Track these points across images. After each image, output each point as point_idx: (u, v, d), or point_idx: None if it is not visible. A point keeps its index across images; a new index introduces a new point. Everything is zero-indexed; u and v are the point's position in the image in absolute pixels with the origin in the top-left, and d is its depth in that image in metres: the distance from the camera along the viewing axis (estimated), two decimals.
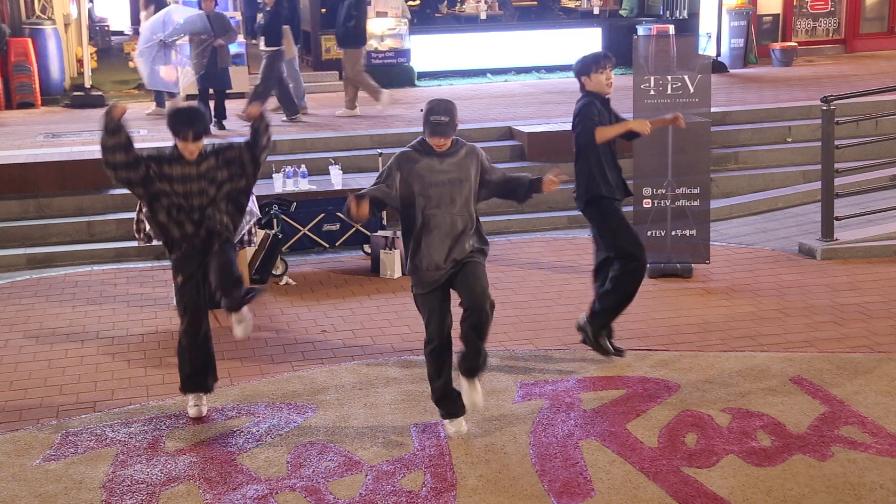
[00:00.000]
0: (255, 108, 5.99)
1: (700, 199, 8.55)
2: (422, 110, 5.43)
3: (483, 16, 18.64)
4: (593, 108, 6.34)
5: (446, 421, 5.56)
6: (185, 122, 5.59)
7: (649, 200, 8.48)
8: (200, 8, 12.78)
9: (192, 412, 5.84)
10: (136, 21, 18.38)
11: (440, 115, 5.29)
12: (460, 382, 5.50)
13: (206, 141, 5.72)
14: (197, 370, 5.83)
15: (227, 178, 5.69)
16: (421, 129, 5.39)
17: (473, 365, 5.44)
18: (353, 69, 13.84)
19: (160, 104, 13.80)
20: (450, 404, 5.54)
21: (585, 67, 6.40)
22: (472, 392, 5.49)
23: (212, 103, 12.61)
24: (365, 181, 10.44)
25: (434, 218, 5.35)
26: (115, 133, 5.53)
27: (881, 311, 7.41)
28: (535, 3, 19.89)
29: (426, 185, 5.34)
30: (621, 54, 16.91)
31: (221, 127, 12.65)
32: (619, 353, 6.57)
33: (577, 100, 6.47)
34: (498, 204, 9.82)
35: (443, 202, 5.35)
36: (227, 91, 13.04)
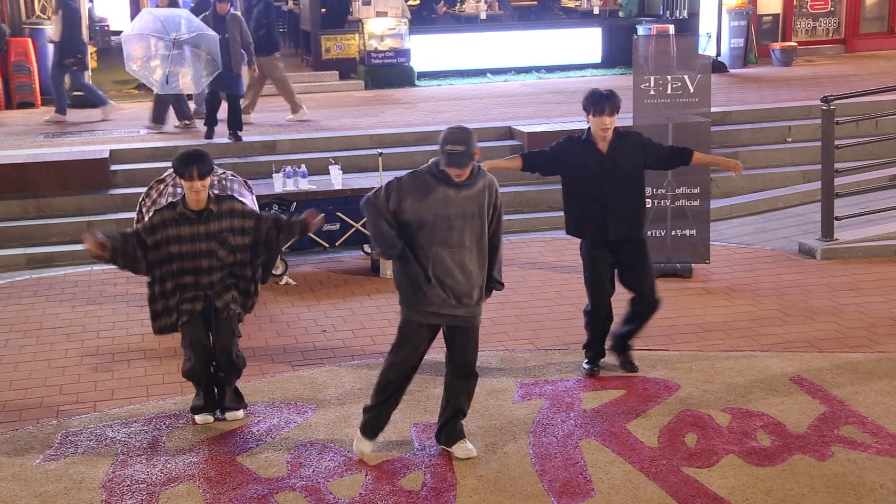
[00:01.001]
0: (316, 218, 5.73)
1: (700, 198, 8.55)
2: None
3: (483, 16, 18.63)
4: (560, 146, 6.19)
5: (359, 434, 5.37)
6: (189, 160, 5.48)
7: (649, 200, 8.47)
8: (216, 11, 11.94)
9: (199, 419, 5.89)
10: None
11: (455, 144, 4.90)
12: (452, 451, 5.32)
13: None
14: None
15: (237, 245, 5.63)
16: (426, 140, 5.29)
17: (459, 428, 5.33)
18: (274, 75, 13.40)
19: (61, 110, 13.34)
20: (373, 428, 5.36)
21: (584, 104, 6.08)
22: (464, 447, 5.32)
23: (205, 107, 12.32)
24: (365, 181, 10.43)
25: (442, 256, 5.02)
26: (113, 261, 5.55)
27: (881, 311, 7.41)
28: (535, 3, 19.89)
29: (437, 218, 4.98)
30: (621, 54, 17.04)
31: (237, 139, 11.74)
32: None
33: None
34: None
35: (452, 239, 5.01)
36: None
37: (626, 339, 6.38)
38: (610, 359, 6.46)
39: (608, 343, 6.42)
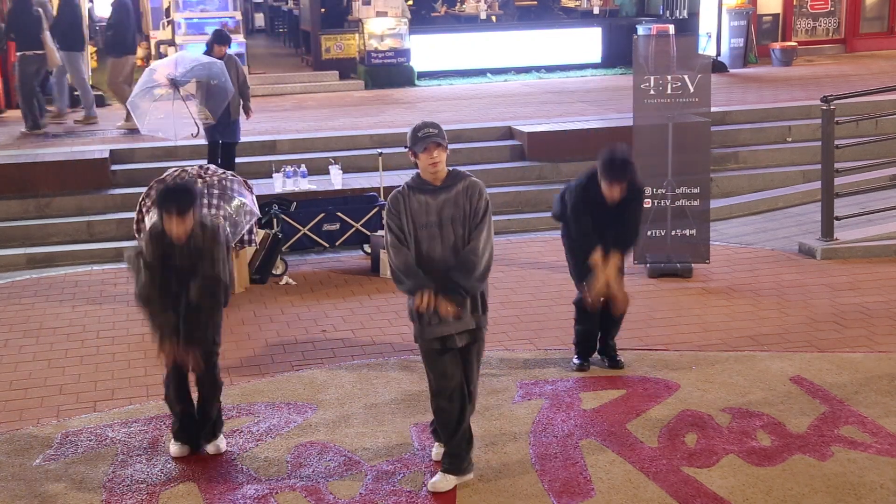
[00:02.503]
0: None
1: (700, 198, 8.55)
2: (405, 147, 4.94)
3: (483, 16, 18.65)
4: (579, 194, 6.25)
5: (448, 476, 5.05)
6: (167, 199, 5.18)
7: (649, 200, 8.47)
8: (211, 54, 10.55)
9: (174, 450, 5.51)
10: (136, 26, 18.26)
11: (427, 127, 4.76)
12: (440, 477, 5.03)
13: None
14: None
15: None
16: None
17: (456, 454, 5.00)
18: (112, 78, 13.18)
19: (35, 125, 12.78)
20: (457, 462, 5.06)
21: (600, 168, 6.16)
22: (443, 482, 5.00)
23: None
24: (366, 181, 10.46)
25: (429, 270, 4.79)
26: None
27: (881, 311, 7.41)
28: (535, 3, 19.90)
29: (418, 227, 4.79)
30: (621, 54, 17.04)
31: None
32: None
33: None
34: (497, 203, 9.83)
35: (434, 247, 4.80)
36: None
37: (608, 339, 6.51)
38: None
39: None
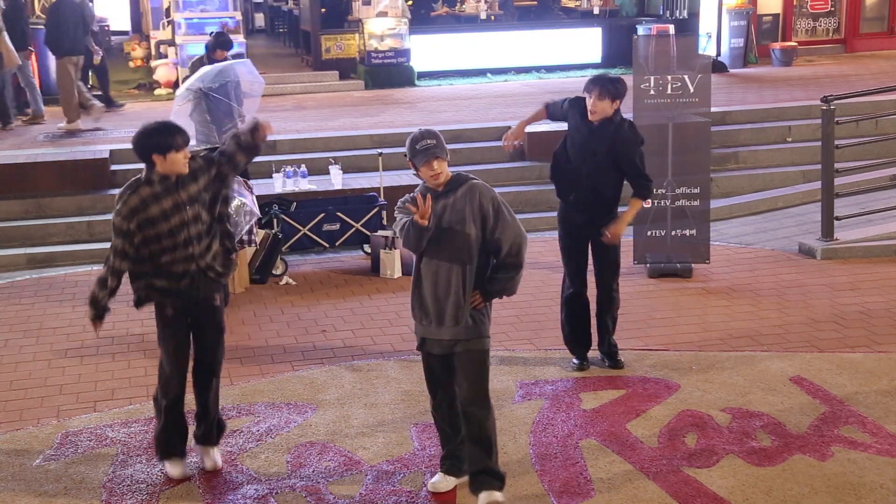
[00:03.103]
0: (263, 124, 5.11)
1: (700, 198, 8.54)
2: (405, 155, 4.81)
3: (483, 16, 18.65)
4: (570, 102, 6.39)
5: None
6: (169, 133, 4.90)
7: (649, 200, 8.47)
8: (212, 59, 9.92)
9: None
10: (136, 26, 18.27)
11: (426, 139, 4.63)
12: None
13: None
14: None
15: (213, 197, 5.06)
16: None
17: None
18: (58, 79, 12.98)
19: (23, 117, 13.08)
20: (454, 463, 5.01)
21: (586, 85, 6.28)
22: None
23: None
24: (365, 181, 10.46)
25: (426, 273, 4.71)
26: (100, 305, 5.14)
27: (881, 311, 7.41)
28: (535, 3, 19.90)
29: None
30: (621, 54, 17.04)
31: None
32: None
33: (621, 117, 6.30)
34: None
35: (432, 252, 4.67)
36: None
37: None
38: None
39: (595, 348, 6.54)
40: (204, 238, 5.01)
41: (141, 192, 4.90)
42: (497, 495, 4.75)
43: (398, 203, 4.81)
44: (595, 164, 6.20)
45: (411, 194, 4.71)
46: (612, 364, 6.43)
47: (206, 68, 9.43)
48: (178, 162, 4.87)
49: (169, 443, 5.19)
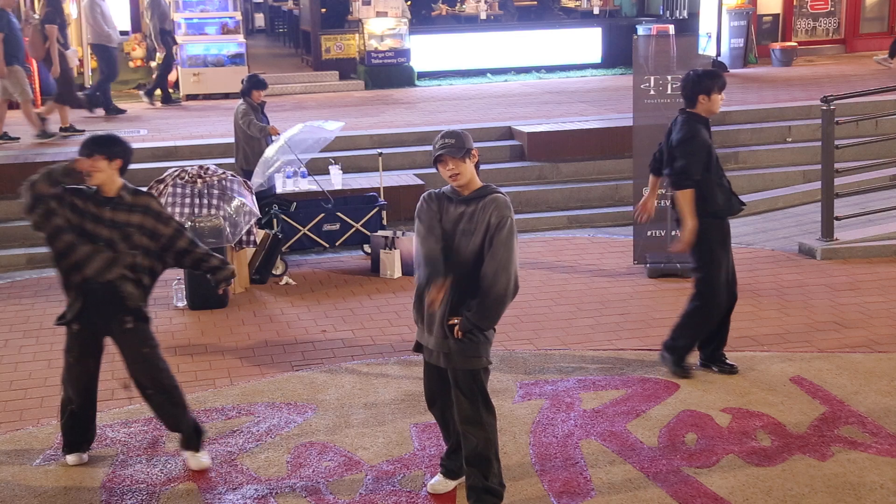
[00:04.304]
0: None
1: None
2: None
3: (483, 16, 18.65)
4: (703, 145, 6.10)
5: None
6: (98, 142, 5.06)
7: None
8: (248, 100, 9.41)
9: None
10: (136, 26, 18.23)
11: (446, 138, 4.58)
12: None
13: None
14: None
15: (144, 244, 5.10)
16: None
17: (477, 485, 4.72)
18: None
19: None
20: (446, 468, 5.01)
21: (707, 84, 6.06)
22: None
23: None
24: (365, 181, 10.46)
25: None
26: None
27: (881, 311, 7.41)
28: (535, 3, 19.90)
29: (446, 234, 4.63)
30: (621, 54, 17.05)
31: None
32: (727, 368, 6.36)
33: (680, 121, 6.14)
34: None
35: (451, 256, 4.59)
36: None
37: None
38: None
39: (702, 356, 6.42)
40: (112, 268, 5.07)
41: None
42: None
43: (419, 201, 4.72)
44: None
45: (434, 190, 4.70)
46: (725, 370, 6.35)
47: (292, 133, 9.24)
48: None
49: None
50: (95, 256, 4.99)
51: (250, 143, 9.37)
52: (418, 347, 4.81)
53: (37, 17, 13.27)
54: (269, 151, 9.05)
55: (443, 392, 4.81)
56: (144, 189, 6.36)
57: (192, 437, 5.28)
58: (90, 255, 4.99)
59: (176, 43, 15.35)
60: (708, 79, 6.08)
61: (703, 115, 6.12)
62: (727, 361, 6.35)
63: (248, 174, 9.14)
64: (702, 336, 6.28)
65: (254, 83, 9.46)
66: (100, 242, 4.99)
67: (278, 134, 9.25)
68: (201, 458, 5.27)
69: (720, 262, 6.19)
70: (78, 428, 5.34)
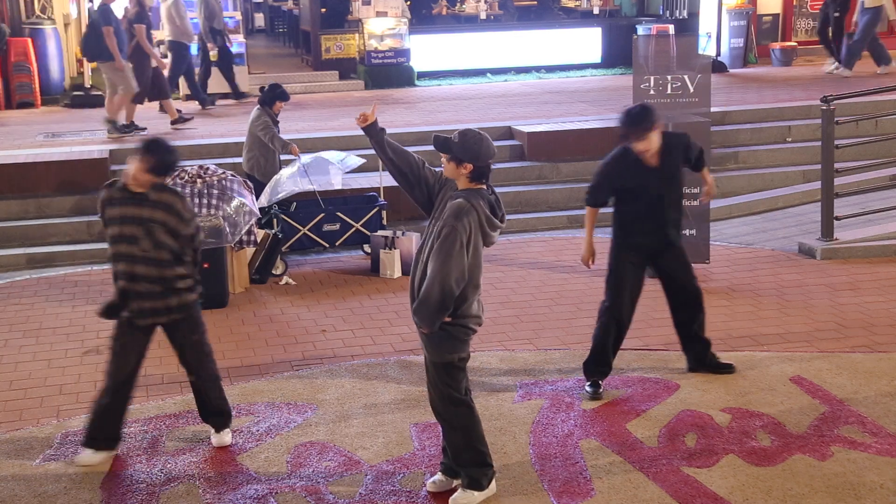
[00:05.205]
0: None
1: (700, 198, 8.53)
2: None
3: (483, 16, 18.65)
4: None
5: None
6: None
7: None
8: (268, 110, 9.37)
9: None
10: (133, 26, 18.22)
11: (450, 135, 4.65)
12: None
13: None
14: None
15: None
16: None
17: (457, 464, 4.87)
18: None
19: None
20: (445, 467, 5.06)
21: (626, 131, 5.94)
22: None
23: None
24: (365, 181, 10.46)
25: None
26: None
27: (881, 311, 7.41)
28: (535, 2, 19.90)
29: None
30: (621, 54, 17.04)
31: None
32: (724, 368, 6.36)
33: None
34: None
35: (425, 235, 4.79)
36: None
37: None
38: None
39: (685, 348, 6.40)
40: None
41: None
42: (464, 494, 4.83)
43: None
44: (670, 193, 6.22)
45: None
46: (717, 369, 6.35)
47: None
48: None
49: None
50: (129, 248, 5.29)
51: (265, 153, 9.27)
52: None
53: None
54: (284, 175, 8.97)
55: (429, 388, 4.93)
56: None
57: (223, 421, 5.55)
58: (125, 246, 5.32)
59: (228, 41, 14.94)
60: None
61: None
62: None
63: (250, 178, 9.13)
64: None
65: (278, 94, 9.31)
66: (132, 235, 5.26)
67: (298, 155, 9.11)
68: (223, 437, 5.52)
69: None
70: (103, 422, 5.36)
